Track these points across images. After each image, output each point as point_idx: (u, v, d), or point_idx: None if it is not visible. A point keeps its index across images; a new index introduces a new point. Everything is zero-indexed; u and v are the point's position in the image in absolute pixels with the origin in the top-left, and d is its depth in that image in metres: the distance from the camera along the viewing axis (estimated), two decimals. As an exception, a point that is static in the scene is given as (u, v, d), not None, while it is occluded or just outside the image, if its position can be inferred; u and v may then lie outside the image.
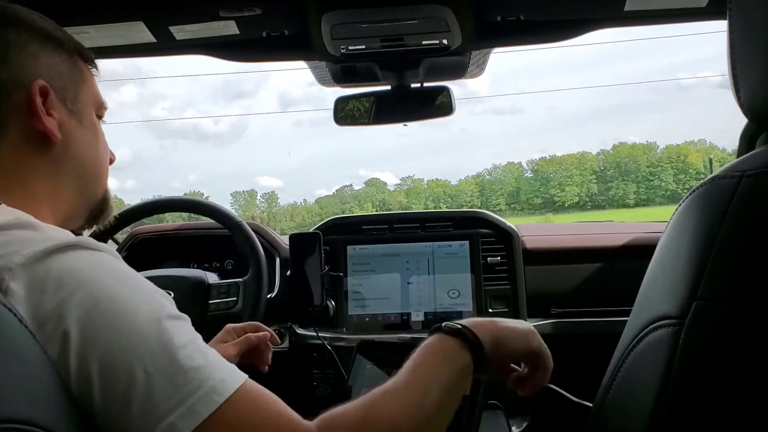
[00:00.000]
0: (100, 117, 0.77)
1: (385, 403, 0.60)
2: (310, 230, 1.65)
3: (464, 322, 0.69)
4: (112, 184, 0.82)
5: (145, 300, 0.57)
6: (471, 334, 0.67)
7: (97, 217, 0.78)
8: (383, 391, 0.62)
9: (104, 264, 0.58)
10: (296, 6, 1.14)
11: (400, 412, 0.59)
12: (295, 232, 1.54)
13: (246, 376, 0.58)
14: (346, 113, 1.52)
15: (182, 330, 0.57)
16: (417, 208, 8.79)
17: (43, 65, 0.68)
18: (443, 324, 0.68)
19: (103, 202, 0.78)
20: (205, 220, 1.61)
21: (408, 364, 0.65)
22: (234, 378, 0.57)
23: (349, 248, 1.61)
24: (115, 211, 0.83)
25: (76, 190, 0.72)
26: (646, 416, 0.52)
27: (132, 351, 0.53)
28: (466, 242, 1.59)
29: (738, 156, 0.69)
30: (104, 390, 0.53)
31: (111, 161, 0.80)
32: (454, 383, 0.65)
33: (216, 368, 0.56)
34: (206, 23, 1.17)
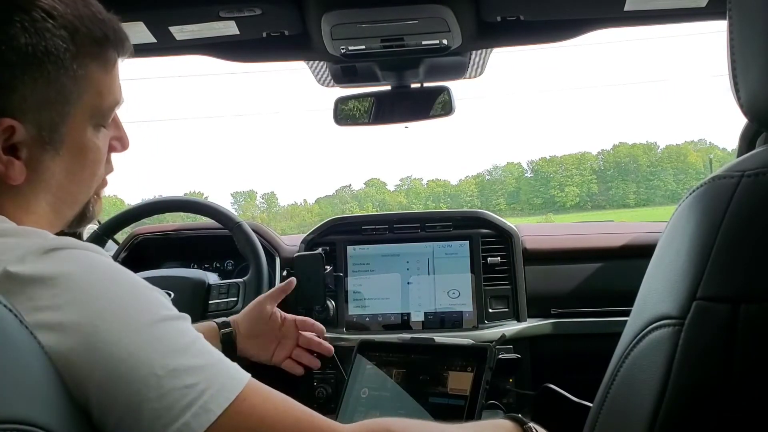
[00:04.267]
0: (102, 125, 0.68)
1: None
2: (311, 230, 1.66)
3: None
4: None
5: (141, 301, 0.57)
6: None
7: (78, 223, 0.74)
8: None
9: (94, 264, 0.57)
10: (296, 6, 1.14)
11: None
12: (296, 232, 1.54)
13: (249, 376, 0.58)
14: (345, 113, 1.52)
15: (184, 330, 0.58)
16: (417, 209, 8.76)
17: (15, 98, 0.59)
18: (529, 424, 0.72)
19: (83, 211, 0.72)
20: (205, 220, 1.61)
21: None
22: (241, 374, 0.58)
23: (350, 248, 1.61)
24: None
25: (48, 214, 0.67)
26: (646, 416, 0.52)
27: (137, 355, 0.53)
28: (466, 242, 1.59)
29: (738, 156, 0.69)
30: (111, 397, 0.53)
31: (121, 151, 0.74)
32: None
33: (223, 366, 0.57)
34: (206, 23, 1.17)
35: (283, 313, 1.16)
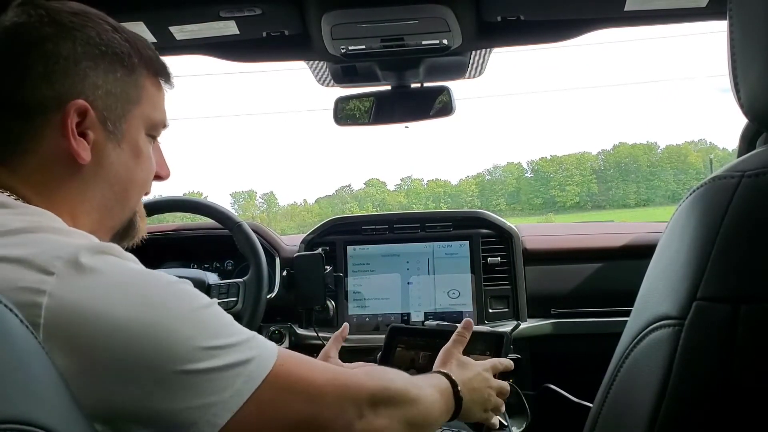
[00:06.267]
0: (153, 137, 0.77)
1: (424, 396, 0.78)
2: (311, 230, 1.66)
3: (458, 381, 0.88)
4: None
5: (183, 293, 0.62)
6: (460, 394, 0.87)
7: (122, 236, 0.78)
8: (406, 376, 0.80)
9: (137, 268, 0.63)
10: (296, 6, 1.15)
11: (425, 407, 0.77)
12: (296, 232, 1.54)
13: (278, 346, 0.66)
14: (346, 113, 1.52)
15: (220, 314, 0.64)
16: (417, 209, 8.77)
17: (89, 84, 0.67)
18: (450, 375, 0.87)
19: (129, 223, 0.78)
20: (205, 220, 1.61)
21: (431, 382, 0.84)
22: (272, 345, 0.65)
23: (350, 248, 1.61)
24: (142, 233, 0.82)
25: (101, 209, 0.72)
26: (646, 417, 0.52)
27: (185, 339, 0.58)
28: (466, 242, 1.59)
29: (738, 156, 0.69)
30: (163, 378, 0.57)
31: (162, 178, 0.81)
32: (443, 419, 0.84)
33: (257, 339, 0.64)
34: (206, 23, 1.17)
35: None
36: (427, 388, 0.80)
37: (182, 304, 0.60)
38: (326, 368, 0.68)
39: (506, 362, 1.02)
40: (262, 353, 0.62)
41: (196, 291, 0.64)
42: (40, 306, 0.54)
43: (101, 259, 0.60)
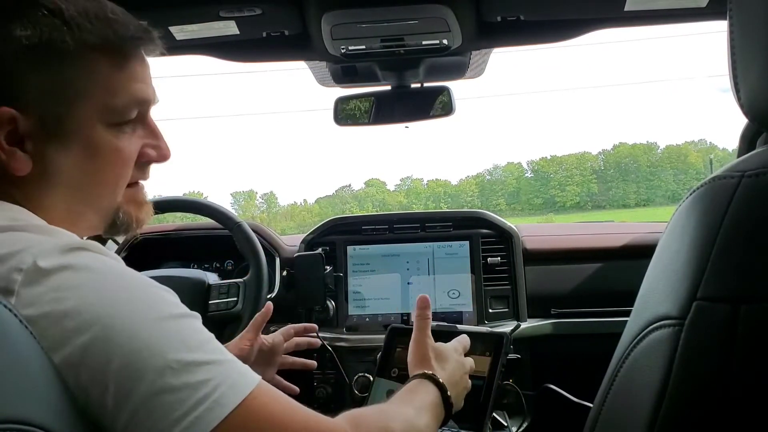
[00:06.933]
0: (117, 124, 0.65)
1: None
2: (311, 230, 1.66)
3: (445, 381, 0.84)
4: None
5: (157, 299, 0.58)
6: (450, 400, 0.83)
7: (112, 228, 0.72)
8: (397, 410, 0.74)
9: (113, 265, 0.59)
10: (296, 6, 1.15)
11: None
12: (296, 232, 1.54)
13: (260, 377, 0.59)
14: (346, 113, 1.52)
15: (198, 328, 0.59)
16: (417, 209, 8.76)
17: (17, 89, 0.60)
18: (438, 379, 0.84)
19: (114, 216, 0.71)
20: (205, 220, 1.61)
21: (410, 398, 0.79)
22: (252, 375, 0.58)
23: (350, 248, 1.61)
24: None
25: (71, 214, 0.66)
26: (646, 417, 0.52)
27: (153, 348, 0.54)
28: (466, 242, 1.58)
29: (738, 156, 0.69)
30: (125, 389, 0.53)
31: (159, 161, 0.72)
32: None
33: (235, 365, 0.58)
34: (206, 23, 1.18)
35: (265, 337, 1.21)
36: (419, 419, 0.74)
37: (152, 308, 0.56)
38: (305, 414, 0.60)
39: (464, 340, 0.99)
40: (237, 381, 0.56)
41: (175, 300, 0.59)
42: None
43: (75, 256, 0.56)
